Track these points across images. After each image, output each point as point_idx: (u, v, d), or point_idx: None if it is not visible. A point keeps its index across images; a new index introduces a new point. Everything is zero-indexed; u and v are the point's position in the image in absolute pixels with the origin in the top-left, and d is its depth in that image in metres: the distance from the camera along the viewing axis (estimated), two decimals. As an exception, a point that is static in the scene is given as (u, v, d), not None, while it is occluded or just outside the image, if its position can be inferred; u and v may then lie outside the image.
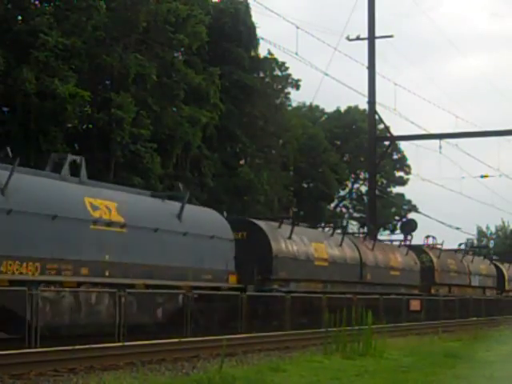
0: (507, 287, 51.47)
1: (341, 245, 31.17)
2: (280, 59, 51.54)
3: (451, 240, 50.49)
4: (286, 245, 27.44)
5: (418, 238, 44.95)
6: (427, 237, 43.28)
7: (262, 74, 47.98)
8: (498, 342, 20.68)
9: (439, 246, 42.60)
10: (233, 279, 23.91)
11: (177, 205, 22.38)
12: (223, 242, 23.74)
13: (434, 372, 13.27)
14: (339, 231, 33.38)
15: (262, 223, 27.32)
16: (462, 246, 47.57)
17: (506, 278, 51.58)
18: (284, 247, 27.25)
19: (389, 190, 69.65)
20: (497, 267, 50.64)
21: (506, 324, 35.10)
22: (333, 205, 64.99)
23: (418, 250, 39.96)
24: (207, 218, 24.01)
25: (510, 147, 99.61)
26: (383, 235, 60.48)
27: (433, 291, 39.22)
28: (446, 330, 28.28)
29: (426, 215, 58.55)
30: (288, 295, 25.80)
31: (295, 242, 27.99)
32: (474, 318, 38.23)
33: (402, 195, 70.68)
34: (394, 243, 39.84)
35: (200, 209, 25.23)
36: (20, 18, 30.00)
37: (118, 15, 32.75)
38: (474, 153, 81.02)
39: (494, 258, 56.11)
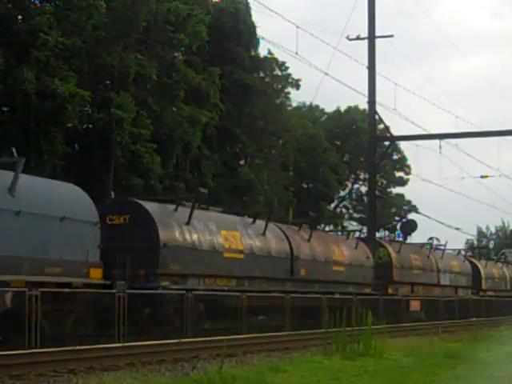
0: (484, 286, 46.39)
1: (264, 234, 26.24)
2: (280, 59, 51.53)
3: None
4: (182, 232, 22.39)
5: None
6: (386, 228, 40.82)
7: (262, 74, 47.96)
8: (498, 343, 20.68)
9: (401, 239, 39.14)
10: (96, 273, 19.02)
11: (10, 175, 17.34)
12: (81, 226, 18.71)
13: (434, 372, 13.28)
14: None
15: (149, 205, 22.26)
16: (434, 241, 42.76)
17: (483, 276, 46.47)
18: (178, 235, 22.18)
19: (389, 190, 69.62)
20: (472, 264, 45.78)
21: (506, 324, 35.08)
22: (333, 205, 64.98)
23: (374, 243, 35.73)
24: (58, 195, 18.79)
25: (510, 147, 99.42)
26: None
27: (390, 291, 34.60)
28: (446, 330, 28.26)
29: (425, 215, 58.60)
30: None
31: (196, 229, 22.97)
32: (474, 319, 38.10)
33: (401, 195, 70.66)
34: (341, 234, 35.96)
35: (48, 182, 19.92)
36: (20, 17, 29.97)
37: (117, 15, 32.72)
38: (474, 153, 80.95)
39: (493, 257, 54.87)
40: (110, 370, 13.79)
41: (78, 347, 14.78)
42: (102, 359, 14.59)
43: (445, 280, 40.58)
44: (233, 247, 24.32)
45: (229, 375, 11.34)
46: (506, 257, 55.07)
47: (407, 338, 23.23)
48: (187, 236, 22.58)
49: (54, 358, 13.97)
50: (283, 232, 27.88)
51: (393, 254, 35.36)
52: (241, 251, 24.71)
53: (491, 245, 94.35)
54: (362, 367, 13.68)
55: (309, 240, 29.13)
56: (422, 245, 41.41)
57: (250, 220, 26.56)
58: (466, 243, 79.42)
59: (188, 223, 22.74)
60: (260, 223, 26.62)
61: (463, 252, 45.93)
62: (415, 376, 12.59)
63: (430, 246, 41.22)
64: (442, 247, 42.54)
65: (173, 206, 22.88)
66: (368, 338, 16.10)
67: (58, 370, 13.30)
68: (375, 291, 32.63)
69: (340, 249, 31.36)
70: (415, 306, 35.87)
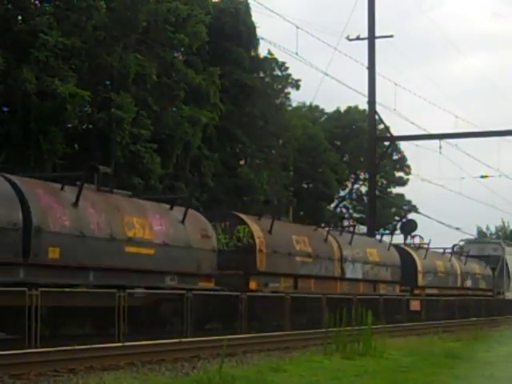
0: (421, 282, 36.92)
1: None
2: (280, 59, 51.58)
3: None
4: None
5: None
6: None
7: (262, 74, 47.99)
8: (498, 343, 20.71)
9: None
10: None
11: None
12: None
13: (433, 372, 13.30)
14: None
15: None
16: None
17: (420, 269, 36.72)
18: None
19: (389, 190, 69.67)
20: (405, 254, 35.69)
21: (506, 324, 35.10)
22: (333, 205, 65.03)
23: (231, 218, 25.50)
24: None
25: (510, 147, 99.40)
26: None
27: (253, 286, 24.51)
28: (446, 330, 28.27)
29: (425, 215, 58.57)
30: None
31: None
32: (474, 318, 37.99)
33: (401, 195, 70.71)
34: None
35: None
36: (20, 17, 30.00)
37: (117, 15, 32.73)
38: (474, 153, 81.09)
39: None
40: (109, 369, 13.80)
41: (77, 347, 14.80)
42: (102, 358, 14.59)
43: (354, 273, 30.86)
44: None
45: (229, 375, 11.35)
46: (463, 249, 46.41)
47: (407, 338, 23.24)
48: None
49: (55, 358, 13.97)
50: (14, 187, 16.99)
51: (258, 235, 25.22)
52: None
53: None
54: (362, 367, 13.70)
55: (76, 204, 18.21)
56: (324, 225, 32.88)
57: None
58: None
59: None
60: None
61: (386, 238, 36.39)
62: (415, 376, 12.61)
63: (333, 226, 32.42)
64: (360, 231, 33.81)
65: None
66: (368, 337, 16.12)
67: (58, 370, 13.30)
68: (222, 286, 22.87)
69: (147, 221, 20.51)
70: (415, 305, 35.64)
